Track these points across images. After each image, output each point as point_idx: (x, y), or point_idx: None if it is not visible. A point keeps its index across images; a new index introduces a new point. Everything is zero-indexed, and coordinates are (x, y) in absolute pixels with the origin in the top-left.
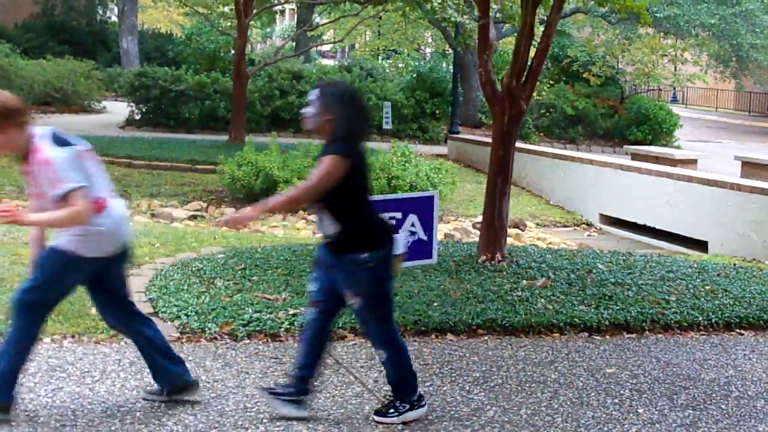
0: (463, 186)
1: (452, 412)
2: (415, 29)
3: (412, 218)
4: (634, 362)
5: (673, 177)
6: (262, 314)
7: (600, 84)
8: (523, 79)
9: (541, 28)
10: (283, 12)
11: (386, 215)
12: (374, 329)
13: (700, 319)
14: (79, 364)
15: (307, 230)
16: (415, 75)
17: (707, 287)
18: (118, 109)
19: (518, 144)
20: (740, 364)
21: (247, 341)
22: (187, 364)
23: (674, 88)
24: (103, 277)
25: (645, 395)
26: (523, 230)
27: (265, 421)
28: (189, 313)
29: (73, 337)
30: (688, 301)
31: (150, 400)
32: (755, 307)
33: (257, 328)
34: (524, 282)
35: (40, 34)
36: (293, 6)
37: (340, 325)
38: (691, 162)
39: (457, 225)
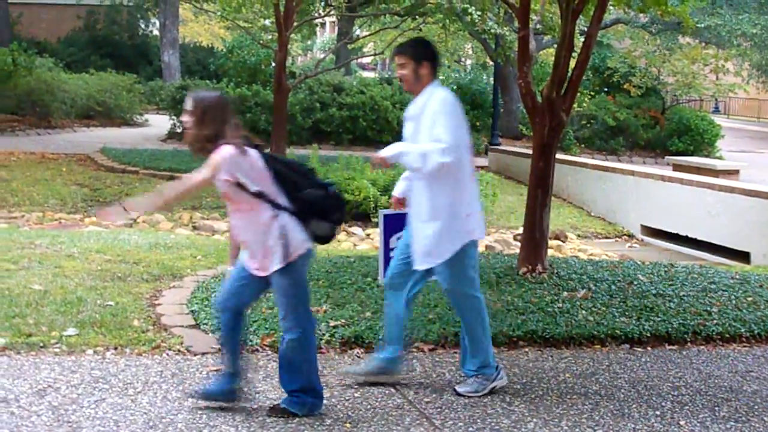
0: (503, 198)
1: (492, 424)
2: (456, 41)
3: None
4: (675, 374)
5: (715, 188)
6: None
7: (641, 95)
8: (564, 90)
9: (582, 40)
10: (323, 25)
11: None
12: None
13: (743, 330)
14: (122, 376)
15: (347, 242)
16: (455, 87)
17: (749, 298)
18: (160, 123)
19: (559, 155)
20: None
21: None
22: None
23: (716, 99)
24: None
25: (687, 407)
26: (564, 242)
27: None
28: None
29: (115, 348)
30: (730, 313)
31: None
32: None
33: None
34: (565, 293)
35: (83, 49)
36: (334, 19)
37: (380, 337)
38: (734, 172)
39: (498, 237)
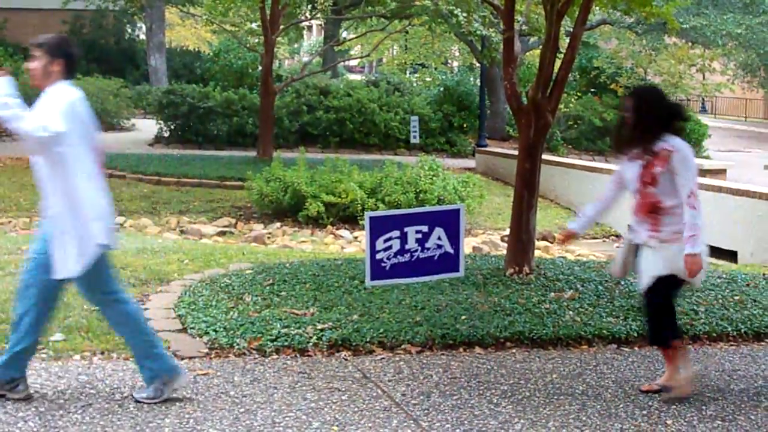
0: (491, 199)
1: (480, 425)
2: (442, 43)
3: (439, 231)
4: (662, 373)
5: (702, 187)
6: (290, 329)
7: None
8: (549, 91)
9: (567, 40)
10: (310, 28)
11: (413, 228)
12: None
13: (729, 329)
14: (109, 381)
15: (335, 245)
16: (442, 89)
17: (736, 297)
18: (147, 127)
19: (546, 156)
20: None
21: (275, 356)
22: (216, 380)
23: (702, 98)
24: None
25: (673, 406)
26: (551, 242)
27: None
28: (217, 329)
29: (102, 353)
30: (717, 312)
31: None
32: None
33: (285, 343)
34: (552, 294)
35: None
36: (320, 22)
37: (367, 339)
38: (720, 172)
39: (485, 238)
